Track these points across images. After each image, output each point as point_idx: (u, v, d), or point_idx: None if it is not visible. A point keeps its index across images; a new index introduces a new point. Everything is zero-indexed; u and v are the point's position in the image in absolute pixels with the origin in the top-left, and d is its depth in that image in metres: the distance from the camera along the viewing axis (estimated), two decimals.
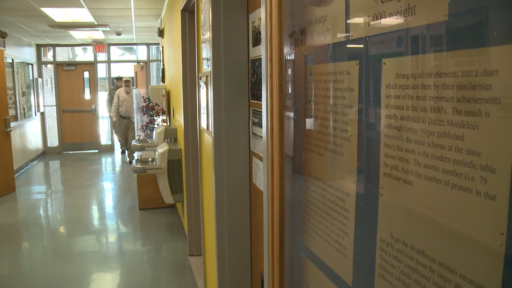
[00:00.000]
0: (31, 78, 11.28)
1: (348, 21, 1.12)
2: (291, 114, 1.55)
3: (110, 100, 11.29)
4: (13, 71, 9.56)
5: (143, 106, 7.49)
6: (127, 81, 10.49)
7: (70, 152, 12.42)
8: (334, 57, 1.23)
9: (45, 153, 12.06)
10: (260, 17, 2.04)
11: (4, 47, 8.49)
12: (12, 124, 8.31)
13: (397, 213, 0.94)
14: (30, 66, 11.26)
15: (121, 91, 10.51)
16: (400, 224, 0.93)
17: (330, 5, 1.22)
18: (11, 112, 8.93)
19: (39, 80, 11.78)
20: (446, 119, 0.77)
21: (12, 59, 9.56)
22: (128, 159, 10.81)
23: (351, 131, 1.13)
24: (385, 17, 0.95)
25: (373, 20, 0.99)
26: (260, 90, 2.11)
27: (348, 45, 1.14)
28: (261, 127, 2.07)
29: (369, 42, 1.02)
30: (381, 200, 1.00)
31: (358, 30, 1.07)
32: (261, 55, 1.99)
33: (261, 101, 2.11)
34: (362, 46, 1.06)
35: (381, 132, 0.98)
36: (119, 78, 11.22)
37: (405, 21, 0.88)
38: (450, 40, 0.77)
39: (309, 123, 1.40)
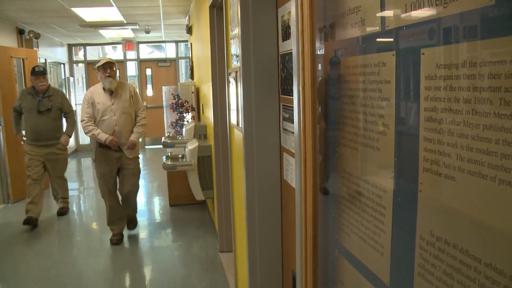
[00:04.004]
0: (63, 77, 11.48)
1: (383, 11, 1.08)
2: (325, 109, 1.52)
3: (17, 116, 5.99)
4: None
5: (172, 103, 7.54)
6: (107, 65, 4.78)
7: None
8: (369, 49, 1.18)
9: (77, 151, 12.28)
10: (290, 11, 2.01)
11: (38, 48, 8.66)
12: None
13: (438, 210, 0.90)
14: (62, 65, 11.47)
15: (95, 91, 4.95)
16: (441, 221, 0.89)
17: None
18: None
19: (71, 79, 11.98)
20: (493, 111, 0.72)
21: (45, 59, 9.75)
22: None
23: (382, 125, 1.09)
24: (423, 5, 0.90)
25: (410, 8, 0.95)
26: (291, 85, 2.08)
27: (383, 36, 1.09)
28: (292, 122, 2.03)
29: (406, 32, 0.98)
30: (421, 196, 0.96)
31: (395, 20, 1.02)
32: (291, 50, 1.96)
33: (291, 96, 2.07)
34: (398, 36, 1.01)
35: (420, 126, 0.94)
36: (38, 73, 5.80)
37: (445, 8, 0.83)
38: (496, 26, 0.72)
39: (343, 117, 1.36)
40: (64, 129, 6.20)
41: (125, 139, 4.93)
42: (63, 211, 6.48)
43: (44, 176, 6.03)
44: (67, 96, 11.38)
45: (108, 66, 4.78)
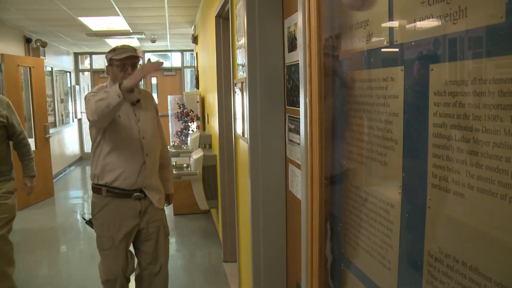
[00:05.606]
0: (69, 85, 11.54)
1: (392, 25, 1.08)
2: (331, 122, 1.51)
3: None
4: (52, 79, 9.80)
5: (177, 112, 7.54)
6: (128, 62, 2.75)
7: None
8: (377, 63, 1.18)
9: (82, 159, 12.29)
10: (296, 23, 2.01)
11: (44, 56, 8.71)
12: (51, 131, 8.50)
13: (447, 227, 0.89)
14: (68, 73, 11.53)
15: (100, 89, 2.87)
16: (450, 238, 0.88)
17: (372, 8, 1.17)
18: (50, 119, 9.14)
19: (77, 87, 12.04)
20: (503, 128, 0.72)
21: (52, 68, 9.80)
22: None
23: (390, 140, 1.08)
24: (432, 20, 0.90)
25: (420, 24, 0.94)
26: (297, 96, 2.08)
27: (392, 50, 1.09)
28: (298, 133, 2.03)
29: (415, 47, 0.98)
30: (429, 212, 0.95)
31: (403, 35, 1.02)
32: (297, 61, 1.96)
33: (297, 107, 2.07)
34: (407, 51, 1.01)
35: (428, 141, 0.93)
36: None
37: (455, 24, 0.83)
38: (506, 43, 0.72)
39: (351, 131, 1.36)
40: (22, 167, 3.79)
41: (155, 180, 2.99)
42: None
43: None
44: (72, 104, 11.49)
45: (131, 64, 2.79)
